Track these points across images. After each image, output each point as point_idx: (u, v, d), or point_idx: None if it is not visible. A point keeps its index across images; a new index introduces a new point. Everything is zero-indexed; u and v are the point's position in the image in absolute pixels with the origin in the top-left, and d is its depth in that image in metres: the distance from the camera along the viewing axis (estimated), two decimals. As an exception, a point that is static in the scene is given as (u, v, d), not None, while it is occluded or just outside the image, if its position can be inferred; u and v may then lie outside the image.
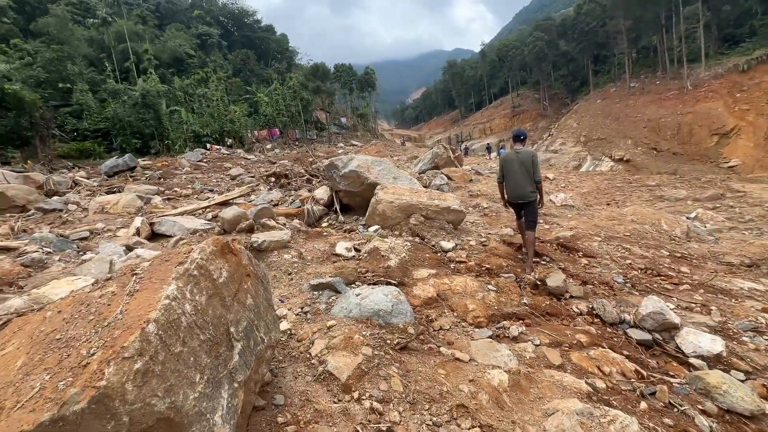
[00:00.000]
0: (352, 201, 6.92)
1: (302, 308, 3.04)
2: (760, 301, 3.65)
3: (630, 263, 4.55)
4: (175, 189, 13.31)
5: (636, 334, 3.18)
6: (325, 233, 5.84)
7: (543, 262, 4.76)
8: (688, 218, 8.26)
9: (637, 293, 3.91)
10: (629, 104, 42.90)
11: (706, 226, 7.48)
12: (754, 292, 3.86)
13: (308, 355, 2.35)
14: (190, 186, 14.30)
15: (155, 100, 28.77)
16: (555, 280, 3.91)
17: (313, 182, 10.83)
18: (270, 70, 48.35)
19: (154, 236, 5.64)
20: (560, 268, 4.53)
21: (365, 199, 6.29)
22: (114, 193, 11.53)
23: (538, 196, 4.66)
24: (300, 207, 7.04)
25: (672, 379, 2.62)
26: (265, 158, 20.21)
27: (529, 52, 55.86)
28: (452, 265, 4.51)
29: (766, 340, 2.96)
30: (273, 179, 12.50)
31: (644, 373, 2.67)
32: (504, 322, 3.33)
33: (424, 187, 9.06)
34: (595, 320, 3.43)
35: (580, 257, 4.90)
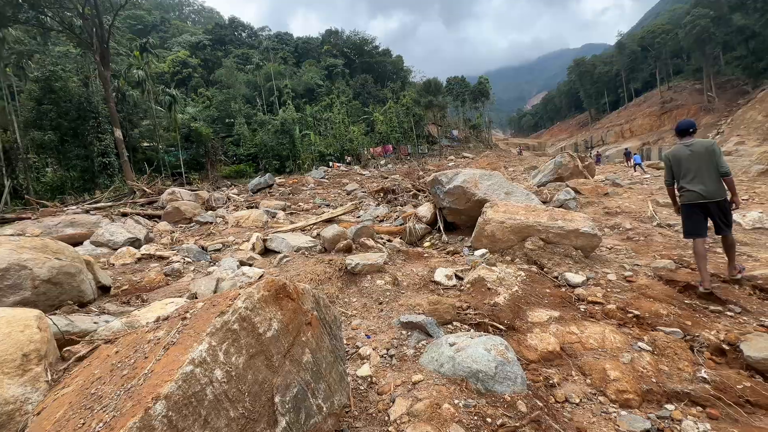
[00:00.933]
0: (458, 219, 6.34)
1: (388, 350, 2.65)
2: None
3: None
4: (299, 203, 14.88)
5: None
6: (426, 254, 5.42)
7: (729, 314, 3.33)
8: None
9: None
10: None
11: None
12: None
13: (386, 418, 1.93)
14: (311, 201, 15.82)
15: (291, 127, 33.48)
16: (760, 347, 2.60)
17: (420, 197, 10.58)
18: (385, 90, 51.32)
19: (267, 252, 6.15)
20: (762, 326, 3.07)
21: (472, 217, 5.65)
22: (252, 208, 13.49)
23: (729, 194, 3.75)
24: (402, 225, 6.80)
25: None
26: (378, 173, 21.13)
27: (686, 35, 45.68)
28: (582, 307, 3.52)
29: None
30: (381, 194, 12.77)
31: None
32: (668, 405, 2.30)
33: (544, 203, 7.86)
34: None
35: (795, 310, 3.27)
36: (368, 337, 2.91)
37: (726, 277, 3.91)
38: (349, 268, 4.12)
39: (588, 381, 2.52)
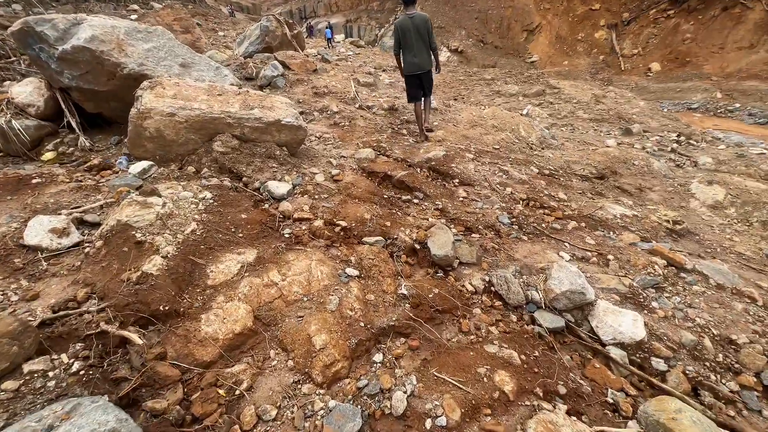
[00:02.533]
0: (105, 108, 3.87)
1: None
2: (634, 231, 3.30)
3: (511, 192, 3.70)
4: None
5: (547, 320, 2.28)
6: (38, 178, 2.99)
7: (416, 201, 3.46)
8: (522, 114, 8.37)
9: (527, 238, 3.07)
10: (466, -9, 43.25)
11: (542, 126, 7.63)
12: (626, 218, 3.53)
13: None
14: None
15: None
16: (440, 244, 2.63)
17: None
18: None
19: None
20: (438, 210, 3.32)
21: (129, 104, 3.44)
22: None
23: (436, 63, 4.68)
24: (-13, 121, 3.57)
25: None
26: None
27: None
28: (288, 231, 2.71)
29: (667, 298, 2.47)
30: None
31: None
32: (377, 355, 1.92)
33: (248, 80, 6.32)
34: (496, 303, 2.39)
35: (456, 186, 3.79)
36: None
37: (413, 161, 4.13)
38: None
39: (290, 363, 1.78)
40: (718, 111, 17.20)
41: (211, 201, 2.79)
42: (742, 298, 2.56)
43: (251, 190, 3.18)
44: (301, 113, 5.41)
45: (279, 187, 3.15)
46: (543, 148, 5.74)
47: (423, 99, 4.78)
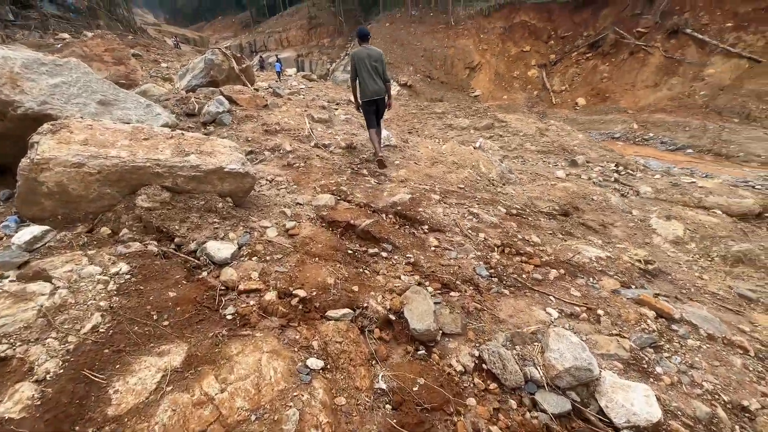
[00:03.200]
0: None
1: None
2: (613, 276, 3.16)
3: (485, 238, 3.45)
4: None
5: (551, 404, 1.92)
6: None
7: (384, 254, 3.06)
8: (475, 147, 8.51)
9: (509, 292, 2.78)
10: (411, 32, 45.94)
11: (498, 160, 7.76)
12: (601, 261, 3.41)
13: None
14: None
15: None
16: (420, 314, 2.23)
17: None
18: None
19: None
20: (410, 264, 2.95)
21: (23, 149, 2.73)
22: None
23: (388, 96, 4.96)
24: None
25: None
26: None
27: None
28: (231, 310, 2.16)
29: (668, 359, 2.26)
30: None
31: None
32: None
33: (190, 116, 5.73)
34: (491, 385, 2.01)
35: (426, 233, 3.47)
36: None
37: (377, 206, 3.77)
38: None
39: None
40: (636, 140, 19.33)
41: (128, 276, 2.17)
42: (735, 350, 2.43)
43: (185, 254, 2.59)
44: (250, 153, 4.91)
45: (221, 249, 2.60)
46: (504, 184, 5.70)
47: (377, 126, 5.10)
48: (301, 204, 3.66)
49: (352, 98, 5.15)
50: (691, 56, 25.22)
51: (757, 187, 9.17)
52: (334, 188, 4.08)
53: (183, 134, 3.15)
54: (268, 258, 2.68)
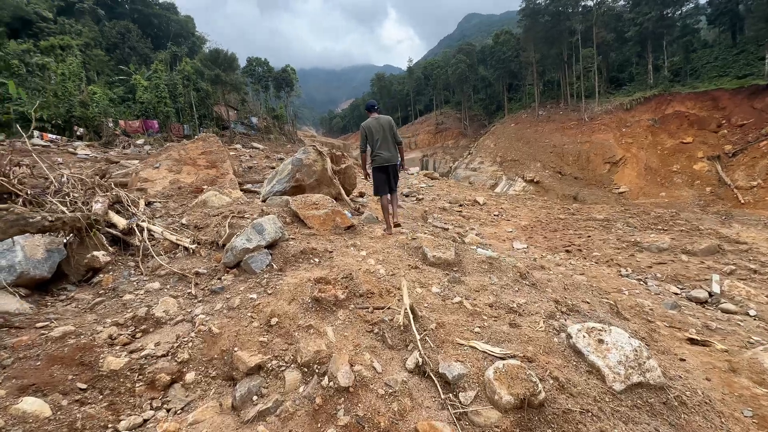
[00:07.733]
0: None
1: None
2: None
3: None
4: None
5: None
6: None
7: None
8: (710, 294, 5.35)
9: None
10: (538, 130, 45.18)
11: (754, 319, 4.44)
12: None
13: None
14: None
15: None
16: None
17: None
18: (164, 53, 40.35)
19: None
20: None
21: None
22: None
23: (400, 159, 4.97)
24: None
25: None
26: (103, 157, 14.34)
27: (452, 73, 56.75)
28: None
29: None
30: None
31: None
32: None
33: (215, 246, 4.35)
34: None
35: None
36: None
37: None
38: None
39: None
40: None
41: None
42: None
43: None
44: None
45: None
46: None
47: (390, 193, 4.98)
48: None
49: (362, 165, 5.23)
50: None
51: None
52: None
53: None
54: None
